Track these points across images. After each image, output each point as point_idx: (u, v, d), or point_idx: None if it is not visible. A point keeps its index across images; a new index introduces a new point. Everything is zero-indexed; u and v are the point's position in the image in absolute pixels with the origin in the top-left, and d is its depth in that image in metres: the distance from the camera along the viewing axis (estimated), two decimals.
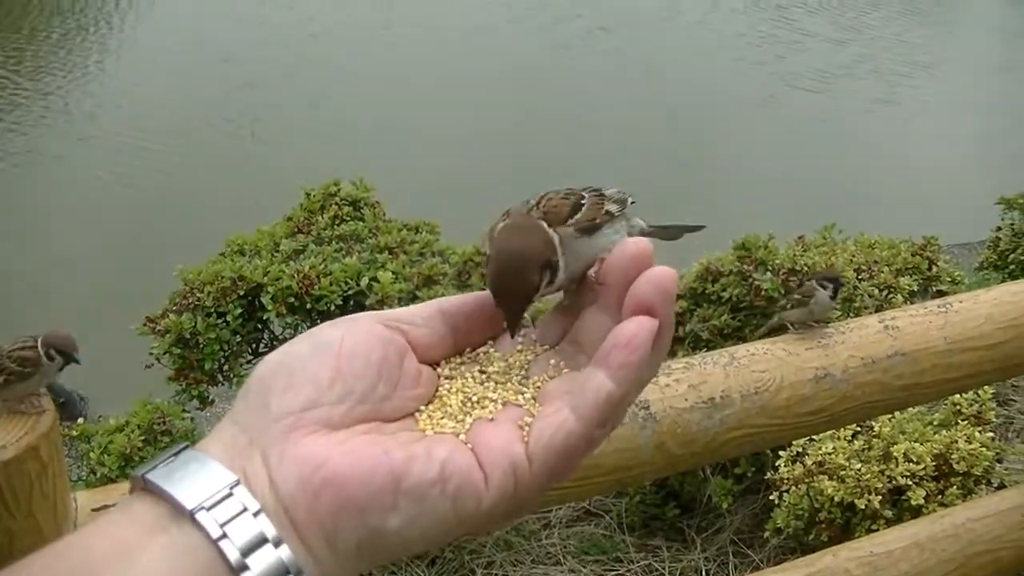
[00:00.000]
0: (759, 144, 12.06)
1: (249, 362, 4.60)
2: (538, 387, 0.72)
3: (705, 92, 13.55)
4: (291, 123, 12.07)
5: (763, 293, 4.22)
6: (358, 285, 4.38)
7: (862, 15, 17.21)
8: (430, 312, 0.75)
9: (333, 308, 4.32)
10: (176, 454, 0.64)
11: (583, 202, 0.83)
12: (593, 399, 0.67)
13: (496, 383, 0.73)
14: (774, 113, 13.13)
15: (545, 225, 0.80)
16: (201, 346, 4.33)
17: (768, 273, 4.29)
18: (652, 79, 13.79)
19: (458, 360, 0.75)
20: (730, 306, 4.32)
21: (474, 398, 0.72)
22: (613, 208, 0.85)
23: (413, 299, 4.24)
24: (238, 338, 4.44)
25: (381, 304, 4.19)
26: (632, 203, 0.89)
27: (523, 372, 0.74)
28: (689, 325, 4.30)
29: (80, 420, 4.63)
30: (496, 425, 0.69)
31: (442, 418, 0.70)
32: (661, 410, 1.63)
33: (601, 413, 0.67)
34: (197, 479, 0.62)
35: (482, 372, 0.74)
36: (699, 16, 16.59)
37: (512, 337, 0.75)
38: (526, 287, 0.76)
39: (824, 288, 2.04)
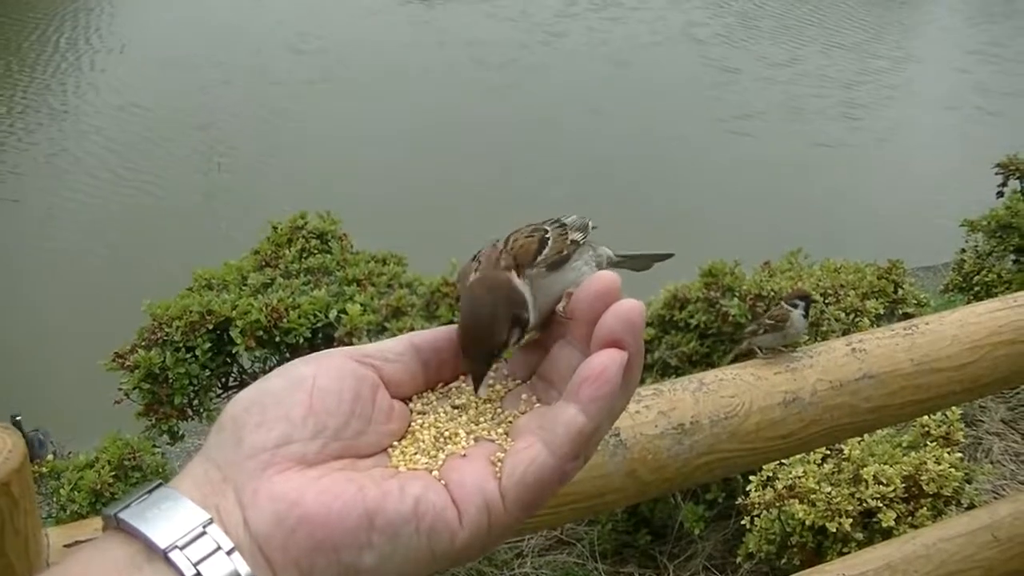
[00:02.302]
0: (722, 171, 12.13)
1: (219, 396, 4.57)
2: (510, 422, 0.72)
3: (667, 120, 13.64)
4: (257, 157, 12.04)
5: (731, 319, 4.24)
6: (327, 317, 4.37)
7: (822, 39, 17.40)
8: (402, 347, 0.75)
9: (302, 341, 4.31)
10: (149, 492, 0.64)
11: (547, 237, 0.84)
12: (565, 433, 0.67)
13: (468, 418, 0.73)
14: (737, 141, 13.22)
15: (514, 277, 0.80)
16: (170, 381, 4.30)
17: (735, 299, 4.32)
18: (613, 109, 13.86)
19: (430, 395, 0.75)
20: (698, 332, 4.34)
21: (446, 433, 0.72)
22: (577, 236, 0.85)
23: (382, 331, 4.24)
24: (207, 372, 4.41)
25: (350, 336, 4.18)
26: (593, 227, 0.89)
27: (495, 407, 0.74)
28: (657, 352, 4.32)
29: (49, 457, 4.58)
30: (469, 461, 0.69)
31: (415, 454, 0.70)
32: (631, 437, 1.64)
33: (573, 447, 0.67)
34: (170, 517, 0.62)
35: (454, 407, 0.74)
36: (660, 38, 16.73)
37: (476, 393, 0.75)
38: (492, 346, 0.76)
39: (795, 307, 2.05)
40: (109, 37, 15.56)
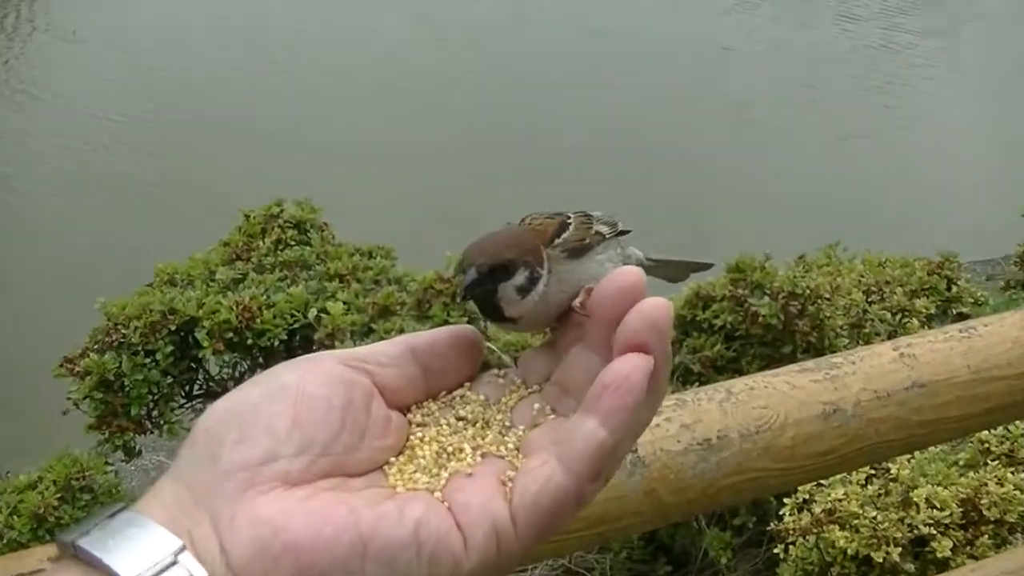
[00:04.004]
0: (749, 156, 12.10)
1: (182, 406, 4.58)
2: (521, 436, 0.73)
3: (687, 100, 13.62)
4: (228, 138, 12.04)
5: (761, 320, 4.24)
6: (305, 318, 4.38)
7: (872, 19, 17.31)
8: (399, 350, 0.75)
9: (277, 344, 4.32)
10: (111, 516, 0.64)
11: (569, 221, 0.85)
12: (583, 449, 0.67)
13: (474, 431, 0.73)
14: (765, 123, 13.20)
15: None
16: (126, 389, 4.30)
17: (766, 297, 4.32)
18: (628, 87, 13.84)
19: (431, 405, 0.75)
20: (723, 335, 4.34)
21: (450, 448, 0.72)
22: (603, 229, 0.86)
23: (368, 333, 4.24)
24: (169, 379, 4.41)
25: (332, 339, 4.19)
26: (623, 231, 0.90)
27: (504, 418, 0.74)
28: (678, 357, 4.32)
29: None
30: (475, 480, 0.69)
31: (414, 472, 0.70)
32: (650, 453, 1.64)
33: (593, 465, 0.67)
34: (136, 545, 0.62)
35: (458, 419, 0.74)
36: (680, 18, 16.68)
37: (457, 301, 0.78)
38: (496, 260, 0.78)
39: None
40: (60, 17, 15.45)
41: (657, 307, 0.69)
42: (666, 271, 0.99)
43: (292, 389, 0.69)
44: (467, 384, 0.77)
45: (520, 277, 0.79)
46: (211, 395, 4.55)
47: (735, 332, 4.34)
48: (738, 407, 1.73)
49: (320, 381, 0.70)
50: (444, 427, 0.74)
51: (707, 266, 1.06)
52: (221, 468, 0.65)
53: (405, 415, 0.74)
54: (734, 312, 4.32)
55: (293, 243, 4.92)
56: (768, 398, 1.75)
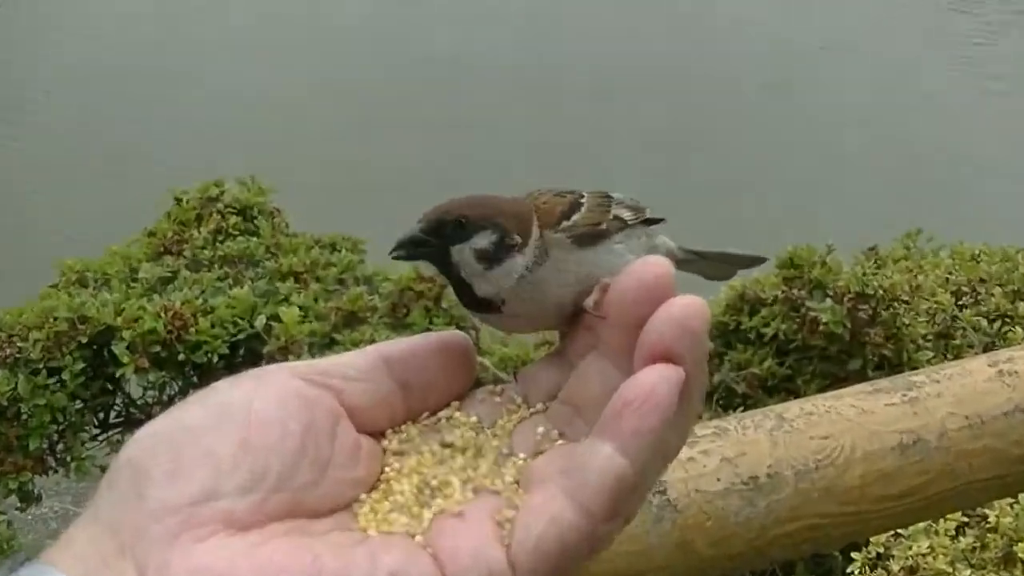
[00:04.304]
0: (803, 129, 12.10)
1: (94, 439, 4.57)
2: (521, 466, 0.73)
3: (710, 61, 13.66)
4: (156, 104, 12.03)
5: (821, 328, 4.24)
6: (251, 326, 4.38)
7: None
8: (370, 362, 0.76)
9: (216, 359, 4.31)
10: (14, 570, 0.64)
11: (582, 201, 0.86)
12: (598, 481, 0.68)
13: (464, 461, 0.74)
14: (808, 85, 13.21)
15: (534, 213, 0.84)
16: (23, 417, 4.29)
17: (827, 300, 4.31)
18: (655, 51, 13.88)
19: (410, 429, 0.76)
20: (775, 347, 4.34)
21: (434, 482, 0.73)
22: (625, 214, 0.87)
23: (330, 344, 4.24)
24: (78, 405, 4.40)
25: (285, 352, 4.18)
26: (653, 219, 0.91)
27: (501, 445, 0.75)
28: (718, 375, 4.32)
29: None
30: (465, 521, 0.70)
31: (391, 511, 0.71)
32: (683, 494, 1.64)
33: (609, 501, 0.68)
34: None
35: (444, 445, 0.75)
36: None
37: (392, 253, 0.80)
38: (453, 211, 0.81)
39: None
40: None
41: (689, 307, 0.70)
42: (704, 266, 0.99)
43: (238, 410, 0.69)
44: (455, 403, 0.78)
45: (482, 239, 0.81)
46: (132, 424, 4.54)
47: (789, 343, 4.33)
48: (793, 437, 1.73)
49: (273, 400, 0.70)
50: (427, 456, 0.74)
51: (756, 261, 1.06)
52: (149, 507, 0.66)
53: (379, 441, 0.75)
54: (788, 318, 4.32)
55: (236, 233, 4.92)
56: (831, 426, 1.75)
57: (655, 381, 0.68)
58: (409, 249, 0.82)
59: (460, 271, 0.81)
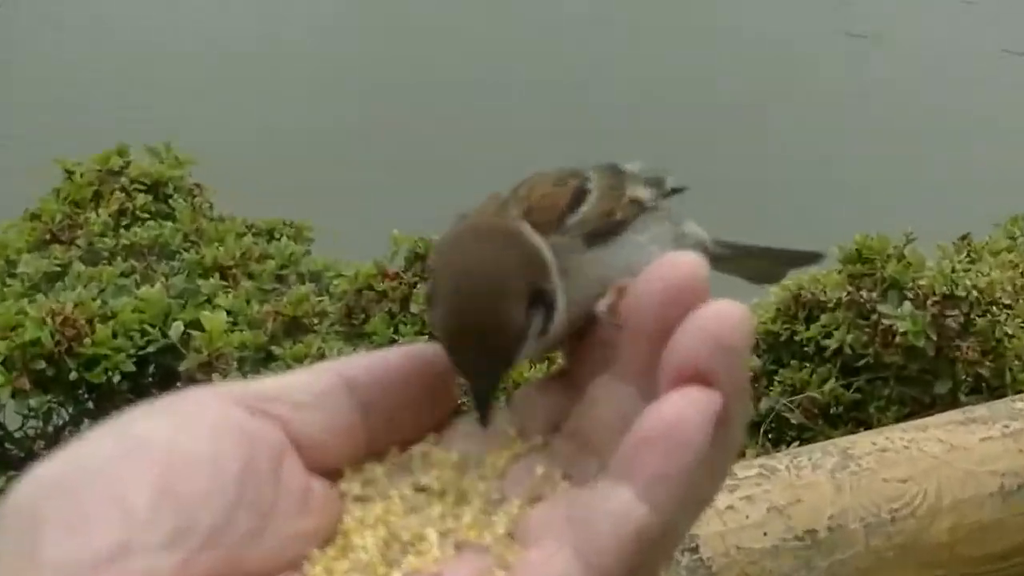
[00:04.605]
0: (868, 94, 12.15)
1: None
2: (516, 515, 0.74)
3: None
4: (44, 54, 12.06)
5: (898, 340, 4.22)
6: (164, 336, 4.37)
7: None
8: (326, 384, 0.76)
9: (118, 379, 4.30)
10: None
11: (589, 188, 0.86)
12: (612, 535, 0.68)
13: (443, 509, 0.75)
14: (886, 51, 13.30)
15: (529, 229, 0.83)
16: None
17: (906, 304, 4.29)
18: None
19: (376, 468, 0.76)
20: (839, 364, 4.33)
21: (405, 536, 0.74)
22: (643, 194, 0.87)
23: (267, 359, 4.24)
24: None
25: (208, 370, 4.18)
26: (678, 189, 0.92)
27: (490, 489, 0.75)
28: (765, 400, 4.31)
29: None
30: None
31: (350, 571, 0.72)
32: (721, 552, 1.66)
33: (626, 560, 0.69)
34: None
35: (419, 489, 0.75)
36: None
37: (484, 425, 0.78)
38: (506, 334, 0.79)
39: None
40: None
41: (727, 314, 0.70)
42: (746, 264, 0.98)
43: (157, 445, 0.70)
44: (432, 436, 0.78)
45: (535, 322, 0.80)
46: (8, 463, 4.54)
47: (858, 360, 4.31)
48: (862, 480, 1.74)
49: (202, 432, 0.71)
50: (396, 502, 0.75)
51: (812, 258, 1.05)
52: (44, 567, 0.66)
53: (335, 484, 0.76)
54: (855, 327, 4.31)
55: (145, 216, 4.90)
56: (911, 465, 1.77)
57: (684, 408, 0.68)
58: (490, 398, 0.79)
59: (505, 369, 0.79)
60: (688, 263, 0.72)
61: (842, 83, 12.36)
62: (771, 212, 8.44)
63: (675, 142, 9.90)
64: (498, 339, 0.78)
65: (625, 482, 0.68)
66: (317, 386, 0.76)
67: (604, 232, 0.84)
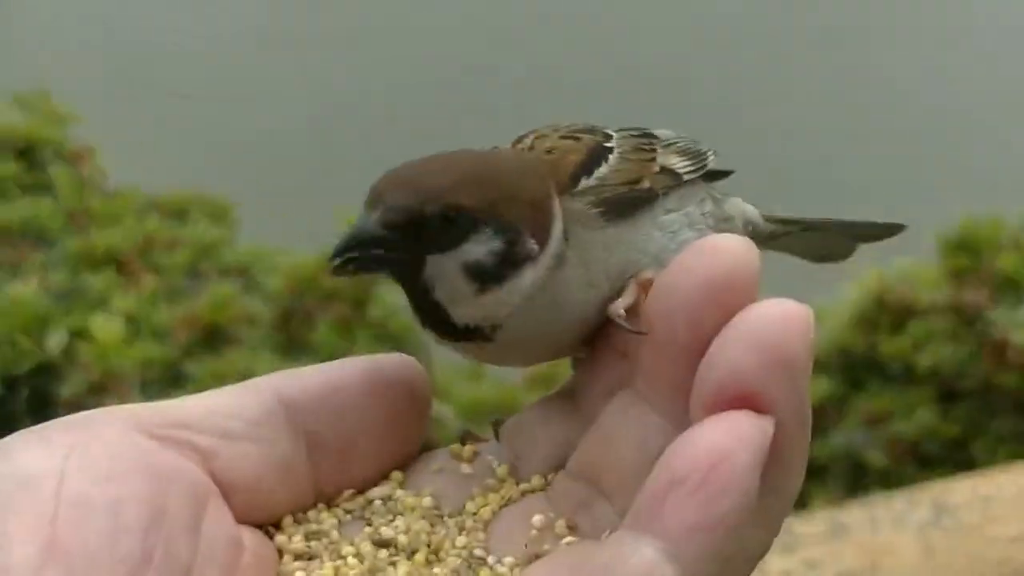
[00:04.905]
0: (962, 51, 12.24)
1: None
2: (507, 573, 0.74)
3: None
4: None
5: (1012, 355, 4.20)
6: (41, 349, 4.36)
7: None
8: (260, 406, 0.75)
9: None
10: None
11: (610, 146, 0.87)
12: None
13: (410, 569, 0.73)
14: None
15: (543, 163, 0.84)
16: None
17: None
18: None
19: (325, 517, 0.75)
20: (936, 387, 4.31)
21: None
22: (677, 164, 0.87)
23: (177, 382, 4.22)
24: None
25: (98, 393, 4.17)
26: (721, 172, 0.91)
27: (473, 543, 0.75)
28: (837, 433, 4.30)
29: None
30: None
31: None
32: None
33: None
34: None
35: (379, 544, 0.74)
36: None
37: (332, 268, 0.77)
38: (439, 196, 0.81)
39: None
40: None
41: (784, 319, 0.69)
42: (806, 240, 0.99)
43: (43, 485, 0.68)
44: (397, 475, 0.77)
45: (478, 247, 0.80)
46: None
47: (957, 383, 4.31)
48: (960, 538, 1.75)
49: (99, 469, 0.69)
50: (350, 562, 0.74)
51: (891, 229, 1.05)
52: None
53: (272, 537, 0.75)
54: (957, 338, 4.29)
55: (16, 190, 4.91)
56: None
57: (726, 440, 0.67)
58: (363, 256, 0.80)
59: (432, 291, 0.81)
60: (732, 249, 0.72)
61: None
62: (840, 187, 8.45)
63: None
64: (424, 206, 0.80)
65: (648, 535, 0.67)
66: (249, 410, 0.75)
67: (626, 204, 0.83)
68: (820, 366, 4.35)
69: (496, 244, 0.79)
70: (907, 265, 4.42)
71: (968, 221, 4.43)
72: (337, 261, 0.79)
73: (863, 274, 4.45)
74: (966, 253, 4.41)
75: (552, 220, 0.81)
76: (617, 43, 12.25)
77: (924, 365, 4.32)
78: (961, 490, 1.58)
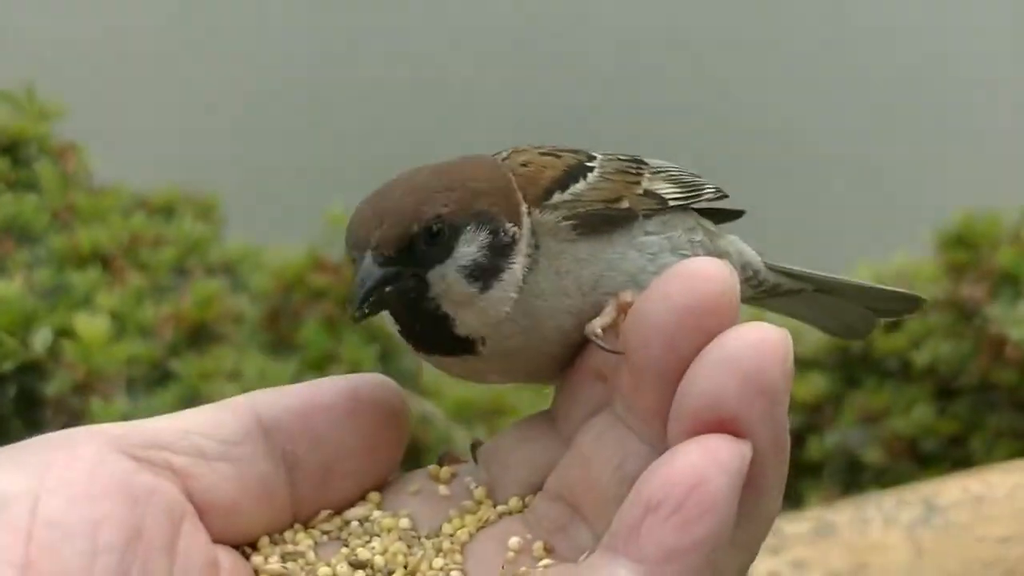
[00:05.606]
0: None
1: None
2: None
3: None
4: None
5: (1010, 352, 4.20)
6: (25, 347, 4.35)
7: None
8: (238, 426, 0.75)
9: None
10: None
11: (591, 165, 0.88)
12: None
13: None
14: None
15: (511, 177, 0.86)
16: None
17: None
18: None
19: (302, 538, 0.76)
20: (934, 384, 4.31)
21: None
22: (665, 190, 0.87)
23: (163, 381, 4.21)
24: None
25: (85, 393, 4.15)
26: (719, 196, 0.91)
27: (449, 565, 0.76)
28: (829, 435, 4.29)
29: None
30: None
31: None
32: None
33: None
34: None
35: (356, 566, 0.75)
36: None
37: (355, 318, 0.78)
38: (420, 212, 0.84)
39: None
40: None
41: (761, 341, 0.70)
42: (822, 307, 0.98)
43: (18, 506, 0.69)
44: (375, 496, 0.78)
45: (469, 246, 0.84)
46: None
47: (955, 380, 4.30)
48: (949, 538, 1.75)
49: (77, 492, 0.70)
50: None
51: (909, 302, 1.06)
52: None
53: (248, 558, 0.76)
54: (955, 335, 4.29)
55: (1, 185, 4.90)
56: (1016, 520, 1.77)
57: (704, 464, 0.68)
58: (378, 298, 0.82)
59: (441, 305, 0.82)
60: (709, 273, 0.73)
61: None
62: (838, 184, 8.46)
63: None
64: (404, 215, 0.84)
65: (624, 558, 0.69)
66: (227, 430, 0.76)
67: (602, 220, 0.86)
68: (815, 363, 4.36)
69: (482, 236, 0.82)
70: (904, 260, 4.41)
71: (966, 216, 4.41)
72: (360, 312, 0.79)
73: (859, 269, 4.43)
74: (964, 248, 4.39)
75: (518, 204, 0.86)
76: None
77: (921, 361, 4.31)
78: (952, 489, 1.58)
